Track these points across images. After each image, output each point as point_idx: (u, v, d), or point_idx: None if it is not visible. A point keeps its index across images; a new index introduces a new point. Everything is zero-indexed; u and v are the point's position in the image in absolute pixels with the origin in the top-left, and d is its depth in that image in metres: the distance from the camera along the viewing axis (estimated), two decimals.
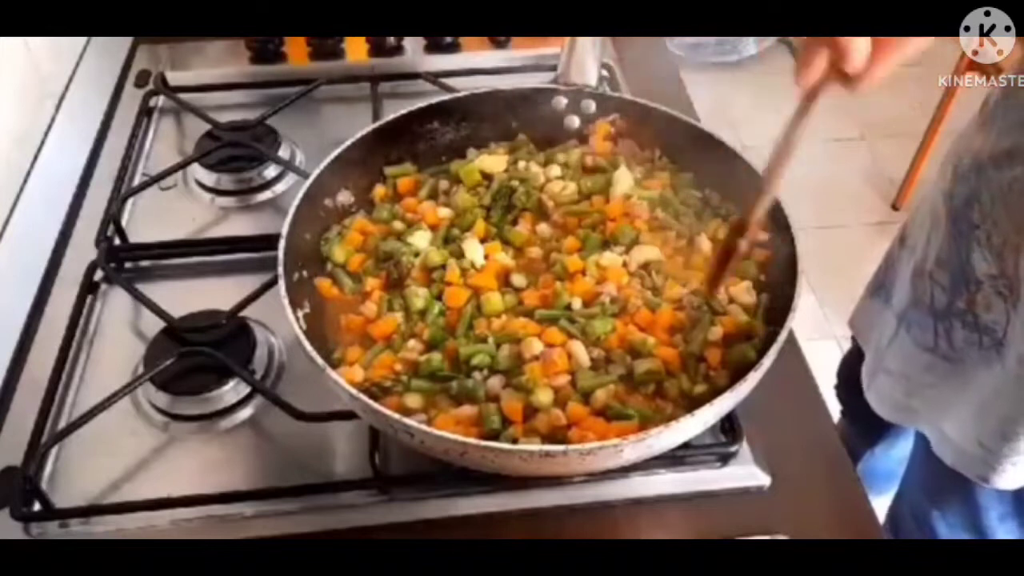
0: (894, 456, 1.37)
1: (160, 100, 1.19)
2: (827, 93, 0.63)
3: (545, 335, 0.77)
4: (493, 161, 0.92)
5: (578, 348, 0.75)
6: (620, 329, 0.78)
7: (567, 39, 0.94)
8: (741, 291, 0.81)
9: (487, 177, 0.91)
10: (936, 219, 0.94)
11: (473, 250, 0.83)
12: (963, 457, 0.99)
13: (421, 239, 0.86)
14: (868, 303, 1.15)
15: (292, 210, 0.80)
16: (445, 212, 0.89)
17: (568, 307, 0.79)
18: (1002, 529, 1.06)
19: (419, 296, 0.80)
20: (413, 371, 0.75)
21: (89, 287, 0.93)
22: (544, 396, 0.72)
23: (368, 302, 0.81)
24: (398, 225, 0.88)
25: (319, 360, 0.68)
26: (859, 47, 0.58)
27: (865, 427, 1.33)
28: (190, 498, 0.75)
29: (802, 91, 0.64)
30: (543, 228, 0.87)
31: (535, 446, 0.63)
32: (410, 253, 0.84)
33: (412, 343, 0.77)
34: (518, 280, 0.83)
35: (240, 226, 1.02)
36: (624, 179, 0.89)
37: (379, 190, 0.91)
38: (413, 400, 0.73)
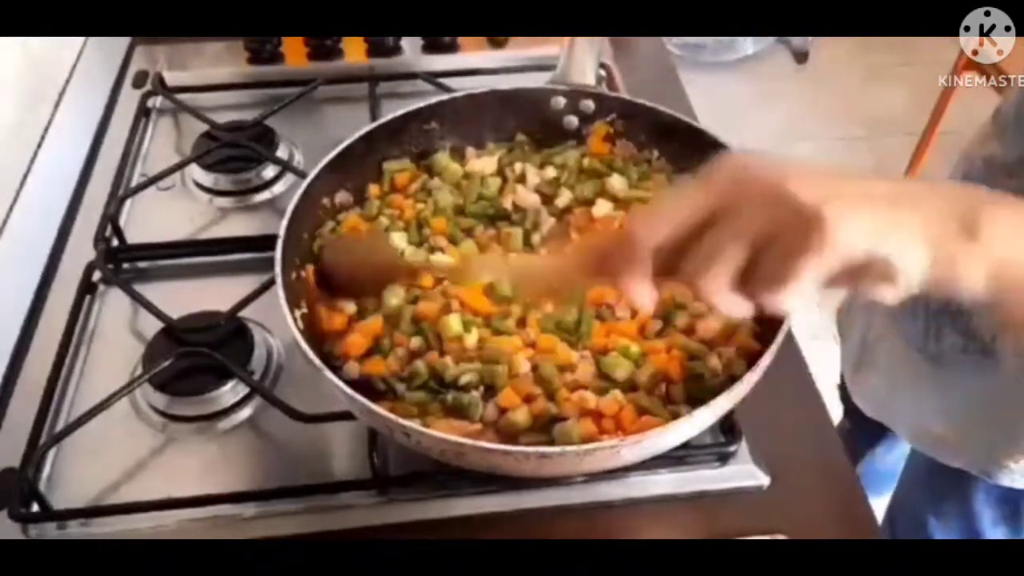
0: (896, 456, 1.37)
1: (158, 100, 1.18)
2: None
3: (540, 340, 0.76)
4: (483, 163, 0.92)
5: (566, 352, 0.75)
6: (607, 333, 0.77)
7: (566, 39, 0.94)
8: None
9: (481, 181, 0.91)
10: None
11: (440, 258, 0.82)
12: (964, 454, 0.99)
13: (400, 239, 0.85)
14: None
15: (290, 210, 0.80)
16: (420, 207, 0.88)
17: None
18: (994, 534, 1.07)
19: (395, 295, 0.79)
20: (403, 378, 0.74)
21: (87, 288, 0.93)
22: (521, 416, 0.71)
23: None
24: (383, 220, 0.87)
25: (316, 361, 0.68)
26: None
27: (867, 426, 1.33)
28: (188, 499, 0.75)
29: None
30: (535, 239, 0.86)
31: (533, 447, 0.63)
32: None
33: (400, 351, 0.76)
34: (504, 288, 0.80)
35: (238, 226, 1.02)
36: (618, 188, 0.89)
37: (374, 188, 0.91)
38: (408, 406, 0.72)
